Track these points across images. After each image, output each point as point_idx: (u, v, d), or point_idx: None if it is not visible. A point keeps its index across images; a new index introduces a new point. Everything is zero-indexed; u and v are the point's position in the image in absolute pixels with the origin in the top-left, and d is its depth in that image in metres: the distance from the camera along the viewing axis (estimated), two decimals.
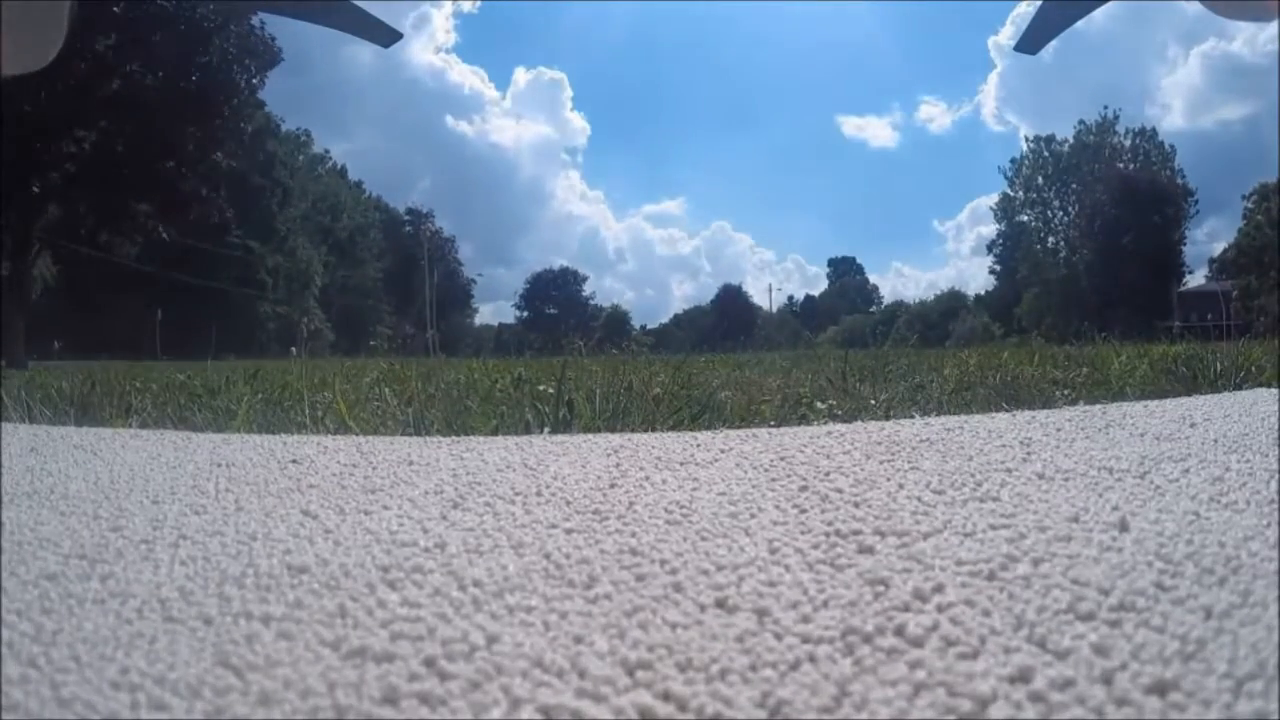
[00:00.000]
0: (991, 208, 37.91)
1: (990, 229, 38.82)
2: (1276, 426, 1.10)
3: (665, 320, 45.95)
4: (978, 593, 0.48)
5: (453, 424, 1.65)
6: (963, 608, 0.46)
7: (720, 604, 0.48)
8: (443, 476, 0.91)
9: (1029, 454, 0.94)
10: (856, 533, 0.62)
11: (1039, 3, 0.89)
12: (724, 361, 4.42)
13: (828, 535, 0.62)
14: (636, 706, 0.36)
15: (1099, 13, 0.91)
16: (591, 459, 1.00)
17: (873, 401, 2.00)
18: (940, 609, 0.46)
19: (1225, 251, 32.21)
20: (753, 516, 0.68)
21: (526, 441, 1.17)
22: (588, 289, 43.16)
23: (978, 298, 39.40)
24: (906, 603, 0.47)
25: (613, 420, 1.65)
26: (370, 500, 0.79)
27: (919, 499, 0.73)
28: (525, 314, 41.94)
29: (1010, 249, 36.77)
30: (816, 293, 48.63)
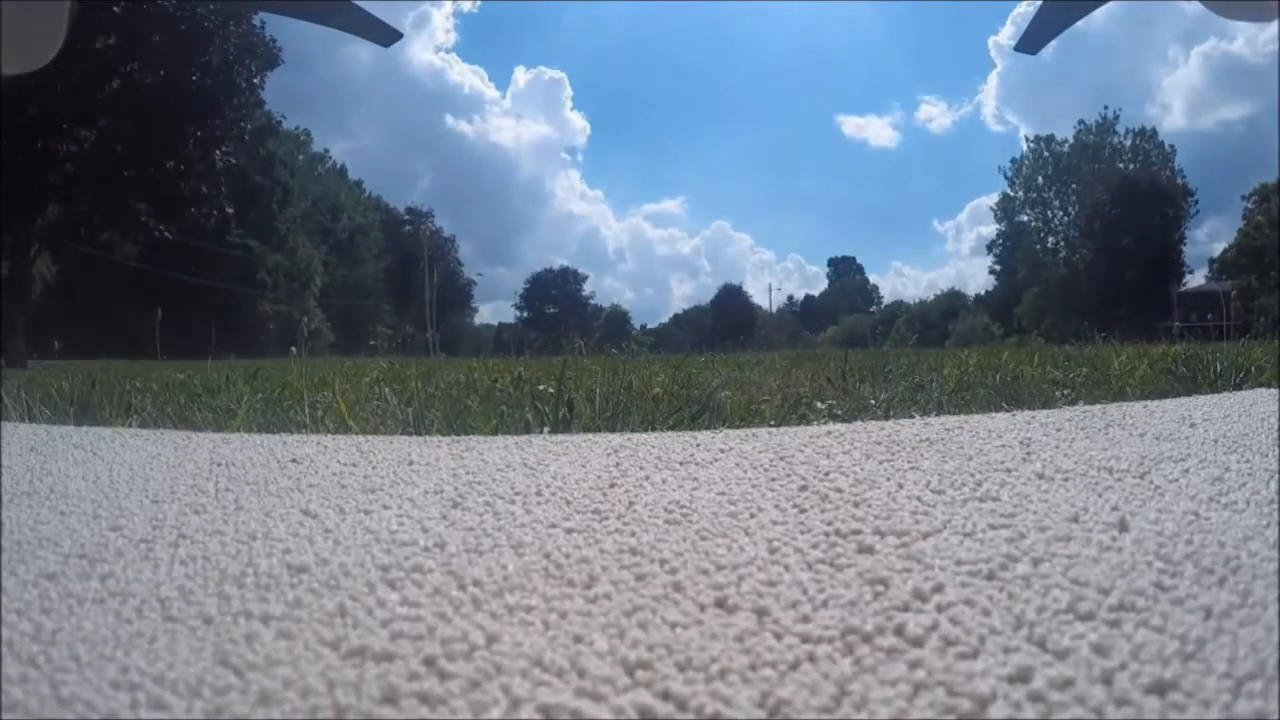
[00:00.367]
0: (991, 208, 37.93)
1: (990, 229, 38.82)
2: (1276, 426, 1.10)
3: (665, 320, 46.00)
4: (977, 592, 0.48)
5: (453, 423, 1.65)
6: (962, 607, 0.46)
7: (720, 604, 0.48)
8: (443, 476, 0.91)
9: (1029, 454, 0.94)
10: (856, 532, 0.62)
11: (1039, 3, 0.89)
12: (724, 361, 4.43)
13: (827, 535, 0.62)
14: (636, 706, 0.36)
15: (1099, 13, 0.91)
16: (591, 459, 1.00)
17: (872, 401, 2.00)
18: (940, 609, 0.46)
19: (1225, 251, 32.24)
20: (752, 516, 0.68)
21: (526, 441, 1.17)
22: (588, 289, 43.23)
23: (977, 298, 39.44)
24: (906, 602, 0.47)
25: (613, 420, 1.65)
26: (370, 500, 0.79)
27: (919, 499, 0.73)
28: (525, 314, 42.00)
29: (1010, 249, 36.76)
30: (816, 293, 48.67)
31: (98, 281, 24.34)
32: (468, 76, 55.37)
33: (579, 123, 57.50)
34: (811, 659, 0.40)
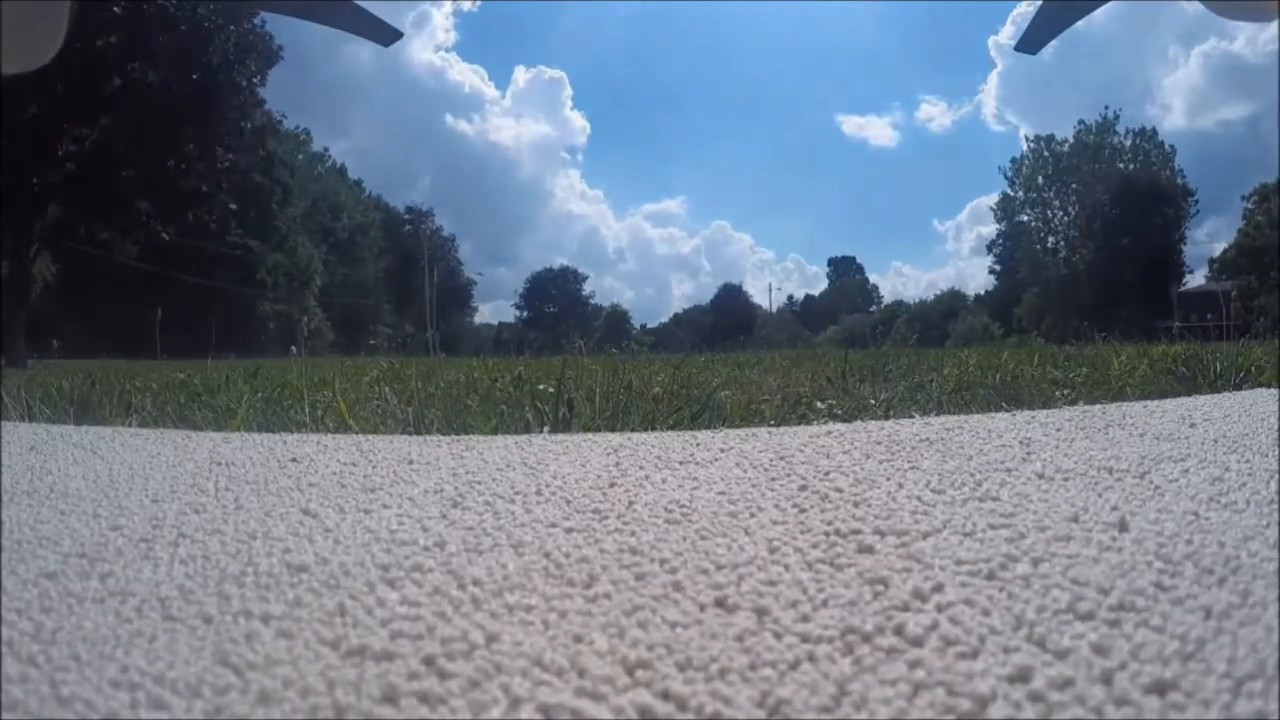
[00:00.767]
0: (991, 208, 37.90)
1: (990, 229, 38.80)
2: (1276, 426, 1.10)
3: (665, 319, 45.92)
4: (977, 592, 0.48)
5: (452, 423, 1.65)
6: (962, 607, 0.46)
7: (720, 603, 0.48)
8: (442, 475, 0.91)
9: (1029, 454, 0.94)
10: (856, 532, 0.62)
11: (1039, 3, 0.89)
12: (724, 361, 4.43)
13: (827, 535, 0.62)
14: (636, 706, 0.36)
15: (1099, 13, 0.91)
16: (591, 458, 1.00)
17: (872, 401, 2.00)
18: (940, 608, 0.46)
19: (1225, 251, 32.23)
20: (752, 516, 0.68)
21: (526, 440, 1.17)
22: (587, 288, 43.18)
23: (977, 298, 39.41)
24: (906, 602, 0.47)
25: (612, 420, 1.65)
26: (370, 499, 0.79)
27: (919, 498, 0.73)
28: (525, 313, 41.97)
29: (1010, 249, 36.75)
30: (816, 292, 48.57)
31: (98, 281, 24.33)
32: (468, 76, 55.30)
33: (579, 122, 57.43)
34: (811, 659, 0.40)
